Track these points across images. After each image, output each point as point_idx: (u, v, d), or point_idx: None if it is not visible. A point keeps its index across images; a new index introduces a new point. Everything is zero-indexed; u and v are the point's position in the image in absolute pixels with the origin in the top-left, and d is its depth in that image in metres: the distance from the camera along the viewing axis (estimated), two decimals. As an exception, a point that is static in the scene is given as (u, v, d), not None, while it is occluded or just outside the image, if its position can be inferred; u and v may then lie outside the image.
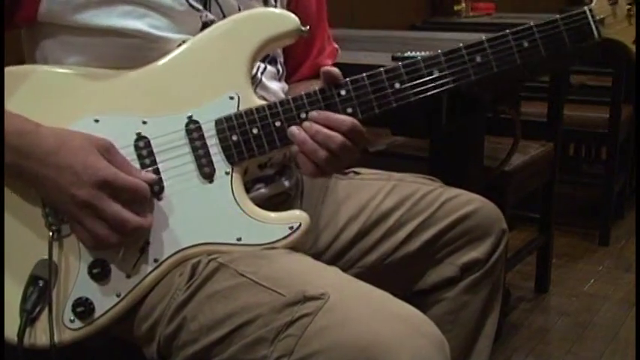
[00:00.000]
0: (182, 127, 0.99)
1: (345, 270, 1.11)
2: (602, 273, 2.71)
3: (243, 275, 0.93)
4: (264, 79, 1.11)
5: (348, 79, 1.01)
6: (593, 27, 1.03)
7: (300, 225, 0.99)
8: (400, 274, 1.18)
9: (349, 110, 1.00)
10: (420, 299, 1.17)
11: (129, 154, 0.98)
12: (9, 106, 0.95)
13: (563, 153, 3.00)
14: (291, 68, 1.25)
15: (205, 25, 1.04)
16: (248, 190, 1.05)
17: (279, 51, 1.19)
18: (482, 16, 3.83)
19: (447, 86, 1.01)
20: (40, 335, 0.95)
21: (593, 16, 1.02)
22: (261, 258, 0.96)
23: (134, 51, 1.00)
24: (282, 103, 1.00)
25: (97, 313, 0.96)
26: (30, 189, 0.95)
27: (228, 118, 0.99)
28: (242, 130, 0.99)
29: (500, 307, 1.24)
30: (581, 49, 1.98)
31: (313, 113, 0.99)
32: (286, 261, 0.96)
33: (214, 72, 1.01)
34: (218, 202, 0.98)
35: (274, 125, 1.00)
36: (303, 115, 1.00)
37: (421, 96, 1.01)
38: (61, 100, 0.99)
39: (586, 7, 1.02)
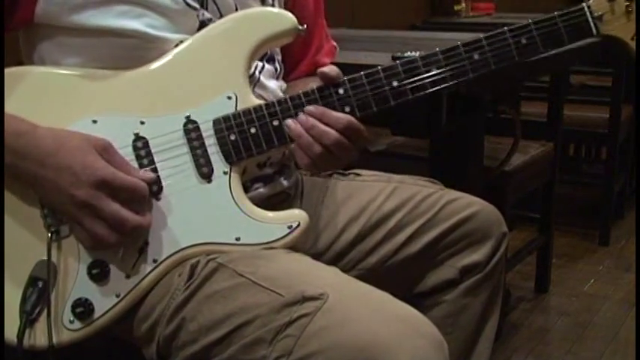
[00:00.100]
0: (180, 127, 0.99)
1: (345, 272, 1.11)
2: (602, 273, 2.71)
3: (242, 275, 0.93)
4: (262, 77, 1.11)
5: (345, 77, 1.01)
6: (592, 23, 1.03)
7: (299, 224, 0.99)
8: (400, 277, 1.18)
9: (347, 109, 1.00)
10: (419, 301, 1.17)
11: (127, 154, 0.97)
12: (7, 107, 0.95)
13: (563, 153, 3.00)
14: (290, 66, 1.25)
15: (202, 23, 1.04)
16: (247, 190, 1.05)
17: (277, 49, 1.19)
18: (482, 16, 3.83)
19: (445, 84, 1.01)
20: (39, 336, 0.95)
21: (591, 13, 1.02)
22: (259, 258, 0.96)
23: (131, 51, 1.00)
24: (279, 102, 1.00)
25: (96, 314, 0.96)
26: (28, 190, 0.95)
27: (226, 118, 0.99)
28: (240, 130, 0.99)
29: (500, 309, 1.24)
30: (581, 50, 1.98)
31: (310, 108, 0.99)
32: (285, 261, 0.96)
33: (212, 72, 1.01)
34: (216, 202, 0.98)
35: (272, 124, 1.00)
36: (300, 114, 1.00)
37: (419, 94, 1.01)
38: (58, 102, 0.99)
39: (584, 4, 1.02)
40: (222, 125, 0.99)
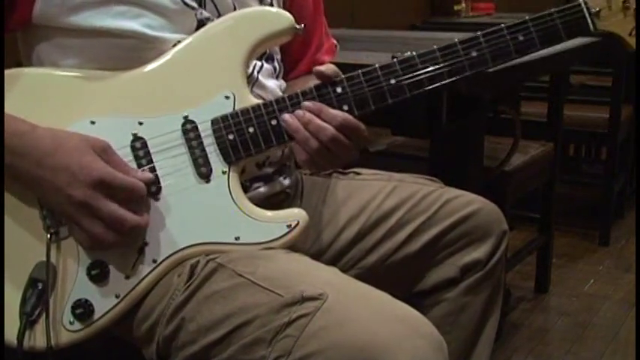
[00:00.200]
0: (178, 127, 0.99)
1: (345, 271, 1.11)
2: (602, 273, 2.70)
3: (241, 276, 0.93)
4: (260, 77, 1.11)
5: (343, 75, 1.01)
6: (589, 19, 1.03)
7: (298, 223, 0.99)
8: (400, 275, 1.18)
9: (345, 107, 1.00)
10: (420, 300, 1.17)
11: (126, 155, 0.97)
12: (6, 108, 0.95)
13: (563, 153, 3.00)
14: (289, 65, 1.25)
15: (200, 23, 1.04)
16: (246, 190, 1.05)
17: (276, 48, 1.19)
18: (482, 16, 3.83)
19: (443, 81, 1.01)
20: (39, 338, 0.95)
21: (588, 9, 1.02)
22: (259, 258, 0.96)
23: (129, 52, 1.00)
24: (277, 101, 1.00)
25: (96, 315, 0.96)
26: (28, 191, 0.95)
27: (224, 118, 0.99)
28: (238, 129, 0.99)
29: (500, 308, 1.24)
30: (581, 50, 1.98)
31: (307, 103, 0.99)
32: (284, 261, 0.96)
33: (210, 72, 1.01)
34: (215, 202, 0.98)
35: (270, 124, 1.00)
36: (298, 110, 1.00)
37: (416, 91, 1.01)
38: (57, 103, 0.99)
39: (581, 0, 1.03)
40: (221, 125, 0.99)
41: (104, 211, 0.91)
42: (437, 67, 1.01)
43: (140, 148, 0.98)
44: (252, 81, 1.09)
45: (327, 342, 0.83)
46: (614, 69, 2.82)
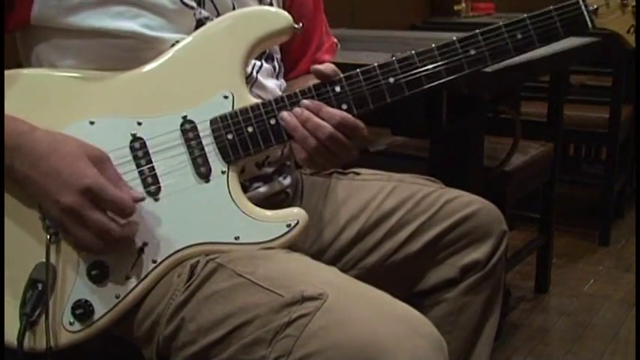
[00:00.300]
0: (177, 127, 0.99)
1: (345, 271, 1.11)
2: (602, 273, 2.71)
3: (241, 276, 0.93)
4: (259, 77, 1.11)
5: (342, 75, 1.01)
6: (587, 17, 1.03)
7: (297, 222, 0.99)
8: (401, 276, 1.18)
9: (344, 106, 1.00)
10: (420, 300, 1.17)
11: (125, 155, 0.97)
12: (6, 109, 0.95)
13: (563, 153, 3.00)
14: (289, 64, 1.25)
15: (199, 22, 1.04)
16: (246, 190, 1.05)
17: (276, 47, 1.19)
18: (482, 16, 3.83)
19: (441, 79, 1.01)
20: (40, 338, 0.95)
21: (586, 6, 1.03)
22: (259, 258, 0.95)
23: (128, 52, 1.00)
24: (276, 100, 1.00)
25: (96, 315, 0.96)
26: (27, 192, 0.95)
27: (223, 118, 0.99)
28: (237, 129, 0.99)
29: (500, 308, 1.24)
30: (581, 50, 1.98)
31: (305, 101, 0.99)
32: (284, 261, 0.96)
33: (208, 71, 1.01)
34: (215, 202, 0.98)
35: (269, 123, 1.00)
36: (296, 108, 1.00)
37: (415, 90, 1.01)
38: (56, 103, 0.99)
39: None
40: (220, 125, 0.99)
41: (90, 219, 0.91)
42: (435, 65, 1.01)
43: (139, 148, 0.98)
44: (251, 81, 1.09)
45: (328, 342, 0.83)
46: (614, 69, 2.82)
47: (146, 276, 0.97)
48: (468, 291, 1.18)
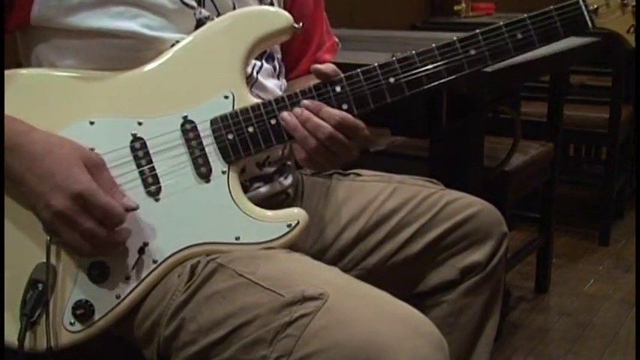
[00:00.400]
0: (177, 127, 0.99)
1: (346, 271, 1.11)
2: (602, 273, 2.71)
3: (241, 276, 0.93)
4: (260, 77, 1.11)
5: (343, 75, 1.01)
6: (587, 17, 1.03)
7: (298, 223, 0.99)
8: (401, 276, 1.18)
9: (344, 106, 1.00)
10: (420, 301, 1.17)
11: (125, 155, 0.97)
12: (5, 108, 0.95)
13: (563, 153, 3.00)
14: (290, 64, 1.25)
15: (200, 22, 1.04)
16: (246, 190, 1.05)
17: (277, 47, 1.19)
18: (482, 16, 3.83)
19: (442, 79, 1.01)
20: (40, 339, 0.95)
21: (586, 6, 1.03)
22: (259, 258, 0.95)
23: (128, 52, 1.00)
24: (277, 100, 1.00)
25: (96, 316, 0.96)
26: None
27: (223, 118, 0.99)
28: (238, 129, 0.99)
29: (500, 310, 1.24)
30: (581, 50, 1.98)
31: (305, 101, 0.99)
32: (285, 261, 0.96)
33: (208, 71, 1.01)
34: (215, 202, 0.98)
35: (270, 123, 1.00)
36: (296, 108, 1.00)
37: (415, 90, 1.01)
38: (56, 103, 0.99)
39: None
40: (220, 125, 0.99)
41: (80, 225, 0.91)
42: (436, 65, 1.01)
43: (139, 148, 0.98)
44: (251, 81, 1.09)
45: (328, 341, 0.83)
46: (614, 69, 2.82)
47: (147, 276, 0.97)
48: (467, 292, 1.18)
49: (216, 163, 0.99)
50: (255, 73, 1.10)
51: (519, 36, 1.02)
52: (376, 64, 1.01)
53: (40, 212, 0.93)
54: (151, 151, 0.98)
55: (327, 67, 1.01)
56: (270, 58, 1.15)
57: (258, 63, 1.12)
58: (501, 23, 1.02)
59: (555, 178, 2.44)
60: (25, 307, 0.95)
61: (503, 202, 2.05)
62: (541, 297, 2.53)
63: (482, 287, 1.19)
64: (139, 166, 0.98)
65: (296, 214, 1.00)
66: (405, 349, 0.82)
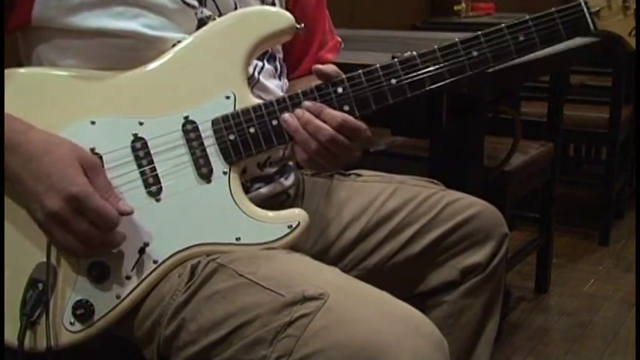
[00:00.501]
0: (179, 127, 0.99)
1: (347, 272, 1.11)
2: (602, 273, 2.71)
3: (242, 276, 0.93)
4: (261, 78, 1.11)
5: (344, 76, 1.01)
6: (589, 19, 1.03)
7: (298, 224, 0.99)
8: (402, 277, 1.18)
9: (346, 108, 1.00)
10: (420, 302, 1.17)
11: (126, 155, 0.97)
12: (6, 107, 0.95)
13: (563, 153, 3.00)
14: (292, 64, 1.25)
15: (201, 21, 1.03)
16: (247, 190, 1.05)
17: (279, 47, 1.18)
18: (482, 16, 3.83)
19: (444, 81, 1.01)
20: (40, 338, 0.95)
21: (588, 8, 1.03)
22: (260, 258, 0.95)
23: (129, 52, 1.00)
24: (278, 101, 1.00)
25: (96, 316, 0.96)
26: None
27: (224, 118, 0.99)
28: (239, 130, 0.99)
29: (500, 311, 1.24)
30: (581, 50, 1.98)
31: (307, 103, 0.99)
32: (285, 261, 0.96)
33: (210, 72, 1.01)
34: (216, 202, 0.98)
35: (271, 124, 1.00)
36: (297, 109, 1.00)
37: (417, 91, 1.01)
38: (57, 102, 0.99)
39: (581, 0, 1.03)
40: (221, 125, 0.99)
41: (74, 226, 0.90)
42: (438, 67, 1.01)
43: (140, 148, 0.98)
44: (252, 82, 1.09)
45: (329, 341, 0.83)
46: (614, 69, 2.82)
47: (147, 276, 0.97)
48: (468, 293, 1.18)
49: (218, 164, 0.99)
50: (256, 74, 1.10)
51: (521, 38, 1.02)
52: (378, 66, 1.01)
53: (34, 212, 0.92)
54: (152, 151, 0.98)
55: (328, 68, 1.01)
56: (271, 59, 1.15)
57: (260, 63, 1.12)
58: (503, 25, 1.02)
59: (555, 178, 2.44)
60: (25, 306, 0.95)
61: (503, 202, 2.05)
62: (541, 297, 2.53)
63: (483, 288, 1.19)
64: (139, 166, 0.98)
65: (297, 215, 1.00)
66: (405, 349, 0.82)
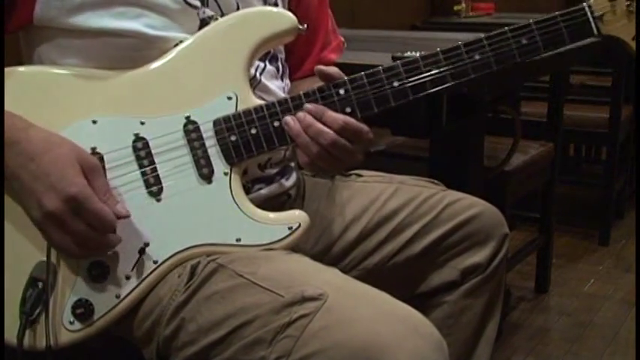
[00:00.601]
0: (180, 127, 0.99)
1: (347, 272, 1.11)
2: (602, 273, 2.71)
3: (241, 276, 0.93)
4: (263, 79, 1.11)
5: (346, 77, 1.00)
6: (593, 24, 1.02)
7: (299, 225, 0.99)
8: (402, 277, 1.18)
9: (348, 110, 1.00)
10: (421, 302, 1.17)
11: (127, 155, 0.97)
12: (8, 105, 0.95)
13: (563, 153, 3.00)
14: (294, 64, 1.25)
15: (203, 22, 1.03)
16: (248, 191, 1.05)
17: (281, 48, 1.18)
18: (482, 16, 3.82)
19: (446, 84, 1.01)
20: (39, 337, 0.95)
21: (592, 13, 1.02)
22: (259, 258, 0.95)
23: (130, 51, 1.00)
24: (280, 102, 1.00)
25: (96, 315, 0.96)
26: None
27: (226, 119, 0.99)
28: (240, 131, 0.99)
29: (500, 311, 1.24)
30: (581, 50, 1.98)
31: (308, 106, 0.99)
32: (285, 261, 0.96)
33: (212, 72, 1.01)
34: (217, 203, 0.98)
35: (272, 125, 0.99)
36: (299, 112, 1.00)
37: (419, 94, 1.01)
38: (59, 101, 0.99)
39: (585, 4, 1.02)
40: (223, 126, 0.99)
41: (70, 227, 0.90)
42: (440, 70, 1.01)
43: (142, 148, 0.98)
44: (254, 83, 1.09)
45: (328, 342, 0.83)
46: (614, 69, 2.82)
47: (147, 276, 0.97)
48: (468, 294, 1.18)
49: (219, 165, 0.99)
50: (258, 75, 1.10)
51: (524, 41, 1.01)
52: (380, 68, 1.00)
53: (30, 211, 0.92)
54: (153, 152, 0.98)
55: (331, 69, 1.00)
56: (273, 59, 1.15)
57: (262, 64, 1.12)
58: (507, 29, 1.01)
59: (555, 178, 2.44)
60: (24, 305, 0.95)
61: (503, 202, 2.05)
62: (541, 297, 2.53)
63: (483, 288, 1.19)
64: (140, 166, 0.98)
65: (297, 216, 1.00)
66: (404, 349, 0.82)
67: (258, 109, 0.99)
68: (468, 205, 1.19)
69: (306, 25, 1.02)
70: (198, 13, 1.03)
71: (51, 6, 0.98)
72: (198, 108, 0.99)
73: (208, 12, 1.04)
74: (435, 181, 1.26)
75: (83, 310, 0.95)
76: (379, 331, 0.84)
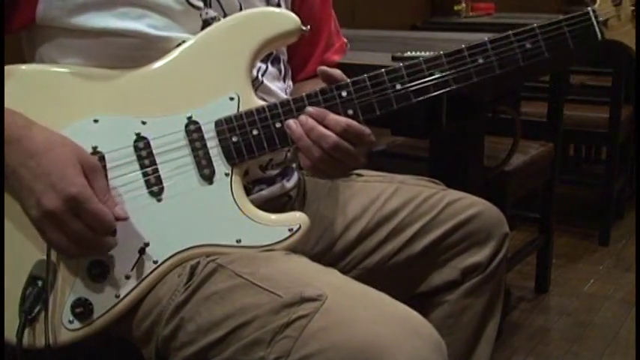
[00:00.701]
0: (182, 127, 0.99)
1: (347, 271, 1.12)
2: (602, 273, 2.71)
3: (240, 276, 0.93)
4: (265, 80, 1.11)
5: (349, 80, 1.00)
6: (597, 28, 1.02)
7: (299, 227, 0.99)
8: (402, 277, 1.18)
9: (350, 112, 1.00)
10: (421, 302, 1.17)
11: (128, 154, 0.97)
12: (8, 103, 0.95)
13: (563, 153, 3.00)
14: (297, 65, 1.25)
15: (206, 22, 1.03)
16: (249, 192, 1.05)
17: (283, 49, 1.18)
18: (482, 16, 3.83)
19: (449, 87, 1.01)
20: (39, 336, 0.95)
21: (596, 17, 1.02)
22: (259, 259, 0.95)
23: (133, 51, 0.99)
24: (282, 104, 0.99)
25: (95, 314, 0.96)
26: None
27: (228, 119, 0.99)
28: (242, 131, 0.99)
29: (501, 311, 1.24)
30: (581, 50, 1.98)
31: (310, 109, 0.99)
32: (284, 262, 0.96)
33: (214, 73, 1.00)
34: (218, 204, 0.98)
35: (274, 126, 0.99)
36: (301, 116, 1.00)
37: (422, 97, 1.01)
38: (61, 100, 0.99)
39: (589, 8, 1.02)
40: (224, 127, 0.99)
41: (69, 227, 0.90)
42: (443, 73, 1.00)
43: (143, 148, 0.98)
44: (256, 84, 1.08)
45: (327, 342, 0.83)
46: (614, 69, 2.82)
47: (146, 276, 0.97)
48: (468, 293, 1.18)
49: (220, 165, 0.99)
50: (260, 76, 1.10)
51: (528, 46, 1.01)
52: (383, 71, 1.00)
53: (29, 209, 0.91)
54: (154, 151, 0.98)
55: (334, 71, 1.00)
56: (275, 61, 1.15)
57: (264, 66, 1.12)
58: (510, 32, 1.01)
59: (555, 178, 2.44)
60: (24, 303, 0.95)
61: (503, 202, 2.05)
62: (541, 297, 2.53)
63: (484, 288, 1.19)
64: (142, 166, 0.98)
65: (297, 218, 1.00)
66: (403, 350, 0.82)
67: (260, 110, 0.99)
68: (469, 204, 1.19)
69: (309, 26, 1.02)
70: (200, 14, 1.03)
71: (53, 6, 0.98)
72: (200, 108, 0.99)
73: (211, 13, 1.04)
74: (436, 181, 1.26)
75: (82, 310, 0.95)
76: (378, 332, 0.84)
